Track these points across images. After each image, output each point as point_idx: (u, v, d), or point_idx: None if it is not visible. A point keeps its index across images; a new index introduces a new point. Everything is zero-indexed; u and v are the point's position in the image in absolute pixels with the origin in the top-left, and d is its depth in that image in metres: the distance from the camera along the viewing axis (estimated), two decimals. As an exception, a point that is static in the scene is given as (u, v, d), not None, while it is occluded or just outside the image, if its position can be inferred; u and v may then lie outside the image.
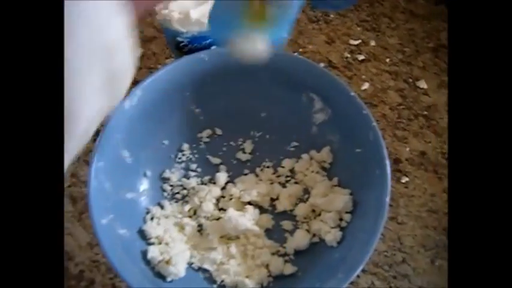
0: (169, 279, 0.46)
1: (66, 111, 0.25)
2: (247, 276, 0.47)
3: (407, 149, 0.61)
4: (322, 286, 0.42)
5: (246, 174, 0.54)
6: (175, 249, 0.47)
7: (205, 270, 0.48)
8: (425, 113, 0.64)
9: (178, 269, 0.46)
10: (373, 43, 0.70)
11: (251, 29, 0.38)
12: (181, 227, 0.50)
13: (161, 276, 0.46)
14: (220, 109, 0.56)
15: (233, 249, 0.48)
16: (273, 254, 0.48)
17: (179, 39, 0.53)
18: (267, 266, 0.48)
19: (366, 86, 0.66)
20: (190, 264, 0.48)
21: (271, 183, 0.53)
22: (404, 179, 0.59)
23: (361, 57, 0.68)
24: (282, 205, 0.51)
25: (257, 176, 0.54)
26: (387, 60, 0.68)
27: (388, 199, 0.44)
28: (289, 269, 0.47)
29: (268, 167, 0.54)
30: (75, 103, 0.25)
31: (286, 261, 0.48)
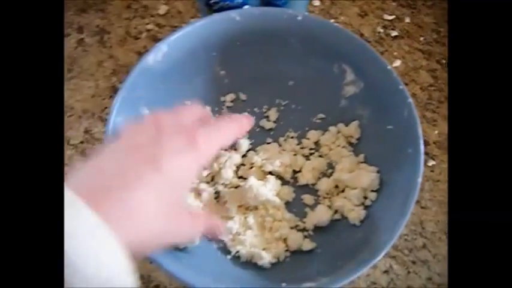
0: (182, 246, 0.44)
1: None
2: (263, 249, 0.45)
3: (436, 131, 0.59)
4: (344, 265, 0.40)
5: (268, 143, 0.51)
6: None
7: (219, 240, 0.46)
8: (457, 96, 0.61)
9: None
10: (407, 20, 0.67)
11: None
12: (197, 193, 0.48)
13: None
14: (246, 73, 0.53)
15: (251, 219, 0.46)
16: (291, 228, 0.46)
17: (210, -5, 0.50)
18: (284, 240, 0.46)
19: (397, 63, 0.63)
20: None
21: (295, 155, 0.50)
22: (431, 162, 0.56)
23: (394, 33, 0.65)
24: (304, 178, 0.49)
25: (280, 145, 0.51)
26: (421, 38, 0.65)
27: (420, 180, 0.41)
28: (308, 244, 0.45)
29: (292, 137, 0.52)
30: None
31: (305, 237, 0.46)
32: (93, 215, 0.27)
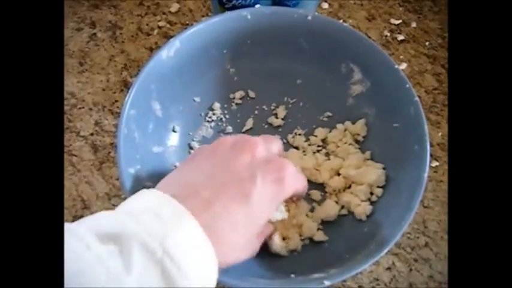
0: None
1: None
2: (283, 239, 0.46)
3: (440, 134, 0.60)
4: (352, 258, 0.41)
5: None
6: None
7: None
8: (461, 100, 0.62)
9: None
10: (414, 25, 0.68)
11: None
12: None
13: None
14: (255, 71, 0.54)
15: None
16: (306, 215, 0.47)
17: (223, -7, 0.51)
18: (300, 227, 0.47)
19: (403, 66, 0.64)
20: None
21: (314, 153, 0.52)
22: (435, 163, 0.57)
23: (400, 37, 0.66)
24: (322, 177, 0.50)
25: (287, 142, 0.52)
26: (427, 43, 0.66)
27: (426, 176, 0.42)
28: (320, 236, 0.46)
29: (300, 134, 0.53)
30: None
31: (318, 229, 0.47)
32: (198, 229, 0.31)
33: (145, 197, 0.33)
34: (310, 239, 0.46)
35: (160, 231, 0.29)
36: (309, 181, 0.50)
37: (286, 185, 0.37)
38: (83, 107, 0.58)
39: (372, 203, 0.46)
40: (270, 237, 0.44)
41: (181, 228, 0.30)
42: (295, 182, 0.40)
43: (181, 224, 0.30)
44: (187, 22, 0.65)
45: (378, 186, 0.47)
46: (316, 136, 0.52)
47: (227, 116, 0.54)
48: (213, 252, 0.31)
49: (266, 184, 0.36)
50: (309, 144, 0.52)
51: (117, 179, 0.54)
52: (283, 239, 0.45)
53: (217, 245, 0.32)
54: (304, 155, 0.51)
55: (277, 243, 0.44)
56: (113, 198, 0.54)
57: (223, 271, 0.41)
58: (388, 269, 0.51)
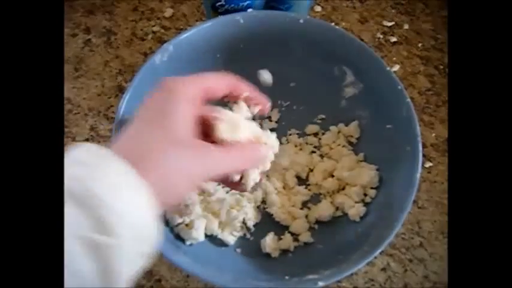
0: (188, 242, 0.45)
1: None
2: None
3: (433, 134, 0.60)
4: (345, 259, 0.41)
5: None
6: (194, 214, 0.46)
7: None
8: (454, 101, 0.63)
9: (199, 233, 0.45)
10: (406, 26, 0.68)
11: None
12: (201, 191, 0.49)
13: (180, 238, 0.45)
14: (249, 75, 0.54)
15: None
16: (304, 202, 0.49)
17: (217, -3, 0.52)
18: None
19: (396, 68, 0.64)
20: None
21: (310, 153, 0.52)
22: (428, 164, 0.58)
23: (393, 39, 0.67)
24: (315, 178, 0.50)
25: (281, 144, 0.53)
26: (419, 45, 0.67)
27: (418, 176, 0.43)
28: (307, 237, 0.47)
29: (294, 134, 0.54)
30: None
31: (309, 229, 0.47)
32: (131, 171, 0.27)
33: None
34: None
35: (85, 175, 0.26)
36: (299, 178, 0.50)
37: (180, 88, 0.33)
38: (79, 113, 0.59)
39: (366, 204, 0.47)
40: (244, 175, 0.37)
41: (106, 168, 0.27)
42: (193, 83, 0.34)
43: (106, 164, 0.27)
44: (181, 27, 0.66)
45: (372, 188, 0.47)
46: (309, 135, 0.53)
47: (222, 120, 0.54)
48: (142, 184, 0.27)
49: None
50: (306, 143, 0.53)
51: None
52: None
53: (151, 180, 0.28)
54: (300, 149, 0.52)
55: (269, 244, 0.45)
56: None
57: (218, 273, 0.41)
58: (383, 269, 0.52)
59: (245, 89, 0.38)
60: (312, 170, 0.51)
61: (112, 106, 0.59)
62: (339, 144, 0.51)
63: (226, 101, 0.39)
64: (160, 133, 0.30)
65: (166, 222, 0.45)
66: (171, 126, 0.31)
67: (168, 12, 0.67)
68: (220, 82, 0.36)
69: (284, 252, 0.46)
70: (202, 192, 0.48)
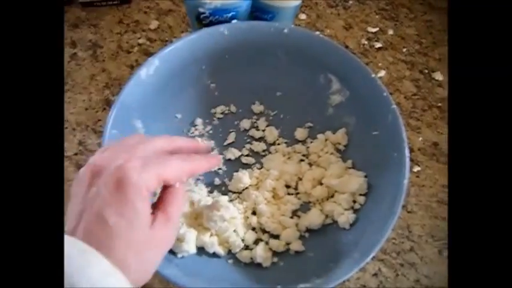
0: (180, 255, 0.45)
1: None
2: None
3: (420, 138, 0.61)
4: (336, 266, 0.41)
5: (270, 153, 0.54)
6: (184, 228, 0.46)
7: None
8: (440, 104, 0.63)
9: (190, 246, 0.45)
10: (391, 32, 0.69)
11: None
12: (192, 203, 0.49)
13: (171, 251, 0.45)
14: (235, 85, 0.55)
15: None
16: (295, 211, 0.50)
17: (201, 10, 0.52)
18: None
19: (381, 73, 0.65)
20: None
21: (299, 162, 0.53)
22: (416, 168, 0.58)
23: (378, 45, 0.68)
24: (303, 187, 0.50)
25: (270, 153, 0.53)
26: (404, 50, 0.68)
27: (406, 182, 0.43)
28: (298, 246, 0.47)
29: (282, 143, 0.54)
30: None
31: (299, 237, 0.48)
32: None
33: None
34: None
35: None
36: (288, 187, 0.51)
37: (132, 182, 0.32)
38: (67, 127, 0.58)
39: (355, 211, 0.47)
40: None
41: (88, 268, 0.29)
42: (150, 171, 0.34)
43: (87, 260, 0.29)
44: (166, 38, 0.66)
45: (360, 194, 0.47)
46: (300, 142, 0.54)
47: (209, 131, 0.54)
48: (118, 273, 0.30)
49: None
50: (294, 151, 0.53)
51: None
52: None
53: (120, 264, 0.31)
54: (289, 158, 0.52)
55: (260, 254, 0.45)
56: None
57: (210, 285, 0.41)
58: (375, 275, 0.52)
59: (201, 171, 0.40)
60: (300, 179, 0.51)
61: (100, 120, 0.59)
62: (326, 152, 0.52)
63: None
64: (123, 223, 0.32)
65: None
66: (132, 220, 0.32)
67: (154, 24, 0.67)
68: (178, 168, 0.36)
69: (276, 261, 0.46)
70: (192, 204, 0.48)
